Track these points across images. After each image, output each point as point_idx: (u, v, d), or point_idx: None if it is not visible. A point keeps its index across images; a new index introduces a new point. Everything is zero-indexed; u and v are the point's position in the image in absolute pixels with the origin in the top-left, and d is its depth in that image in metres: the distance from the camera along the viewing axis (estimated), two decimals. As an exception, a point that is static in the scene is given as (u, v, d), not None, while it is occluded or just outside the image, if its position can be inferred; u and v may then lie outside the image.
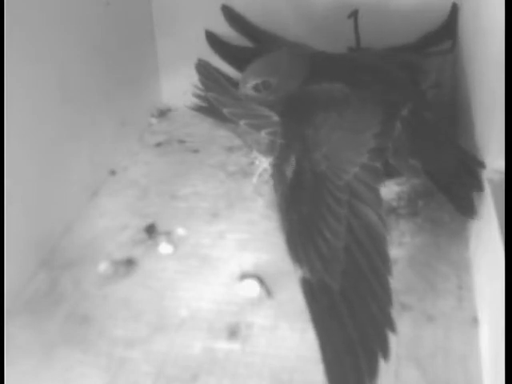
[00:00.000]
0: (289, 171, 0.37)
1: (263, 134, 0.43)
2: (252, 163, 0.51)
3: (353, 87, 0.42)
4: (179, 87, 0.57)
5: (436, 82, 0.50)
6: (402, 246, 0.42)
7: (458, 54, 0.50)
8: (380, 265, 0.32)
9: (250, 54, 0.53)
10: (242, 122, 0.44)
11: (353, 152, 0.38)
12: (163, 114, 0.62)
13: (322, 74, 0.44)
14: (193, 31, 0.57)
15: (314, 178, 0.36)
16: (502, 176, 0.35)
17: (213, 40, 0.57)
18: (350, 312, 0.30)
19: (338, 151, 0.38)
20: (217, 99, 0.45)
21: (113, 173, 0.53)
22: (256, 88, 0.45)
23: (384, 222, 0.34)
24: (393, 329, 0.30)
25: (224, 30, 0.57)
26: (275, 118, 0.43)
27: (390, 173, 0.40)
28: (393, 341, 0.29)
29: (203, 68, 0.49)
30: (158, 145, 0.57)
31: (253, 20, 0.56)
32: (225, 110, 0.44)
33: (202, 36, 0.56)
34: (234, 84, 0.48)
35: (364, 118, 0.40)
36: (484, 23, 0.40)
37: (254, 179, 0.49)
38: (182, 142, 0.57)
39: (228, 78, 0.49)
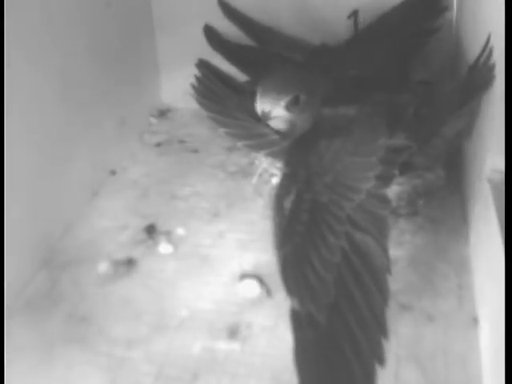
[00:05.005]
0: (287, 202, 0.35)
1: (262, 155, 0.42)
2: (252, 163, 0.51)
3: (358, 102, 0.41)
4: (179, 87, 0.56)
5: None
6: (401, 245, 0.42)
7: (458, 54, 0.50)
8: (377, 297, 0.30)
9: (248, 53, 0.54)
10: (240, 144, 0.43)
11: (358, 179, 0.36)
12: (163, 113, 0.62)
13: (332, 94, 0.43)
14: (193, 31, 0.57)
15: (314, 209, 0.35)
16: (502, 176, 0.35)
17: (210, 35, 0.56)
18: (337, 347, 0.29)
19: (342, 179, 0.36)
20: (215, 119, 0.45)
21: (113, 173, 0.53)
22: (288, 107, 0.42)
23: (386, 252, 0.32)
24: (382, 363, 0.28)
25: (224, 29, 0.57)
26: (273, 136, 0.42)
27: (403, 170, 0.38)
28: (393, 341, 0.29)
29: (203, 68, 0.48)
30: (158, 145, 0.57)
31: (250, 14, 0.56)
32: (222, 131, 0.44)
33: (202, 36, 0.56)
34: (234, 86, 0.48)
35: (369, 140, 0.38)
36: (484, 24, 0.40)
37: (254, 179, 0.49)
38: (182, 141, 0.57)
39: (228, 79, 0.49)
